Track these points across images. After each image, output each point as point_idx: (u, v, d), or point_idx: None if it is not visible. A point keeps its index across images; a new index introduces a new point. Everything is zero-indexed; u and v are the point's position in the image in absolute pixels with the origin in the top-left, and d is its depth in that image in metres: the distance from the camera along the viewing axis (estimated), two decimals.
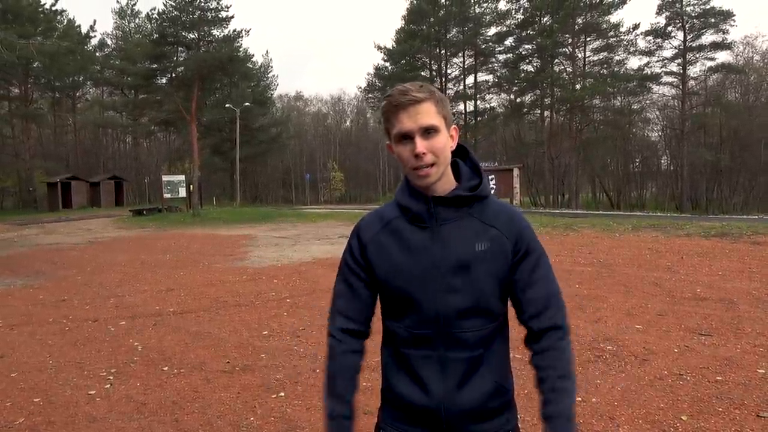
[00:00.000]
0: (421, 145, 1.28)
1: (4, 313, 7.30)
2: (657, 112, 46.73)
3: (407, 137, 1.30)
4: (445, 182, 1.35)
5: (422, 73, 48.96)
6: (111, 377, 4.66)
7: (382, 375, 1.46)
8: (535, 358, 1.37)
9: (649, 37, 40.33)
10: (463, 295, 1.31)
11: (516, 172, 29.91)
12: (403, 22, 47.79)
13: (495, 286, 1.34)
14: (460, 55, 47.79)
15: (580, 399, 3.82)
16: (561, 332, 1.35)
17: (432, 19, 45.85)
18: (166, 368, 4.85)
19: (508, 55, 45.70)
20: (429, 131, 1.29)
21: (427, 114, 1.29)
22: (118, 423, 3.71)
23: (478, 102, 48.14)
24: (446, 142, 1.33)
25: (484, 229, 1.34)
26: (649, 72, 40.34)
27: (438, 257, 1.32)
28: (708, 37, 38.59)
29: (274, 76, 70.47)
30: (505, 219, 1.36)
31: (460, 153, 1.44)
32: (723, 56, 58.28)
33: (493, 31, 45.58)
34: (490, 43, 45.95)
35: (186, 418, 3.77)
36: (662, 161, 51.42)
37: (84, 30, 51.42)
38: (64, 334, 6.17)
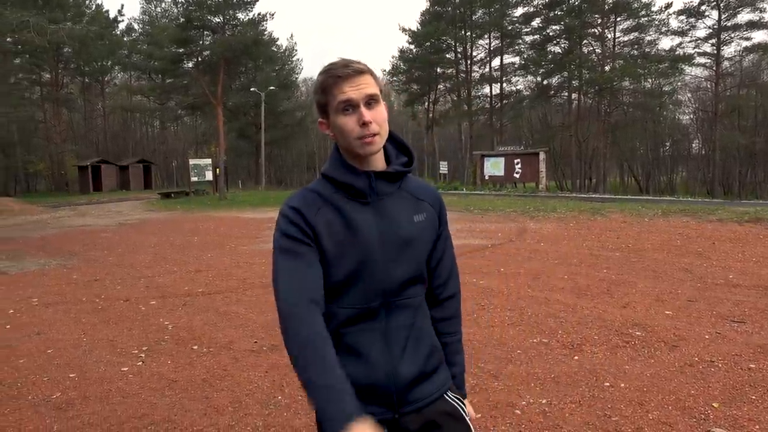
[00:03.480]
0: (366, 113, 1.30)
1: (39, 292, 7.51)
2: (689, 94, 45.67)
3: (351, 106, 1.30)
4: (379, 157, 1.38)
5: (447, 56, 48.46)
6: (143, 355, 4.77)
7: None
8: (438, 324, 1.50)
9: (682, 17, 39.20)
10: (407, 265, 1.37)
11: (542, 155, 29.51)
12: (428, 4, 47.25)
13: (426, 255, 1.43)
14: (485, 36, 47.11)
15: (608, 384, 3.79)
16: (458, 301, 1.55)
17: (457, 1, 45.20)
18: (195, 347, 4.95)
19: (535, 37, 44.93)
20: (372, 102, 1.32)
21: (369, 84, 1.32)
22: (150, 399, 3.81)
23: (504, 85, 47.50)
24: (386, 114, 1.36)
25: (417, 202, 1.42)
26: (681, 53, 39.28)
27: (383, 231, 1.35)
28: (744, 16, 37.36)
29: (298, 59, 70.43)
30: (430, 194, 1.46)
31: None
32: (759, 36, 56.41)
33: (519, 11, 44.88)
34: (517, 25, 45.20)
35: (215, 395, 3.84)
36: (693, 145, 50.35)
37: (112, 15, 52.15)
38: (97, 312, 6.33)
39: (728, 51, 39.24)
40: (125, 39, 54.78)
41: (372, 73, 1.34)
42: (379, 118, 1.32)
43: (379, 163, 1.38)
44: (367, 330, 1.36)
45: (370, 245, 1.34)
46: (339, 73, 1.30)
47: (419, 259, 1.40)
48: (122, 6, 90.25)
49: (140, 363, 4.57)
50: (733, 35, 38.09)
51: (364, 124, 1.29)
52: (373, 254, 1.34)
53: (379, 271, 1.35)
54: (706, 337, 4.73)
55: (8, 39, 28.74)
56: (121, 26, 54.84)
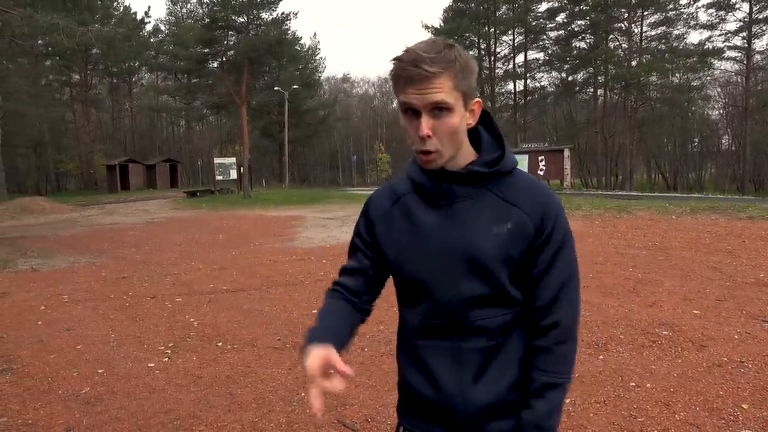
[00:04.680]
0: (426, 125, 1.12)
1: (69, 289, 7.69)
2: (718, 89, 44.69)
3: (412, 110, 1.13)
4: (459, 158, 1.20)
5: (470, 52, 47.83)
6: (169, 351, 4.85)
7: (397, 366, 1.36)
8: (534, 354, 1.23)
9: (711, 10, 38.33)
10: (478, 281, 1.18)
11: (567, 152, 29.12)
12: (451, 0, 47.01)
13: (512, 271, 1.20)
14: (509, 33, 46.72)
15: (634, 384, 3.73)
16: (563, 333, 1.21)
17: None
18: (220, 344, 5.01)
19: (560, 32, 44.38)
20: (439, 110, 1.12)
21: (440, 90, 1.10)
22: (176, 395, 3.87)
23: (528, 81, 47.06)
24: (459, 122, 1.15)
25: (505, 208, 1.19)
26: (710, 47, 38.39)
27: (450, 240, 1.19)
28: None
29: (321, 58, 70.79)
30: (529, 197, 1.20)
31: (483, 119, 1.26)
32: None
33: (544, 7, 44.32)
34: (541, 20, 44.70)
35: (239, 391, 3.89)
36: (723, 141, 49.27)
37: (139, 16, 52.97)
38: (124, 309, 6.45)
39: (760, 44, 38.60)
40: (152, 40, 55.69)
41: (453, 71, 1.11)
42: (443, 130, 1.13)
43: (459, 161, 1.20)
44: (437, 348, 1.24)
45: (434, 256, 1.20)
46: (404, 73, 1.11)
47: (494, 276, 1.18)
48: (149, 8, 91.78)
49: (166, 359, 4.65)
50: (764, 28, 37.11)
51: (421, 138, 1.14)
52: (434, 266, 1.21)
53: (443, 286, 1.20)
54: (736, 337, 4.62)
55: (39, 41, 29.47)
56: (148, 27, 55.78)
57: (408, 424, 1.33)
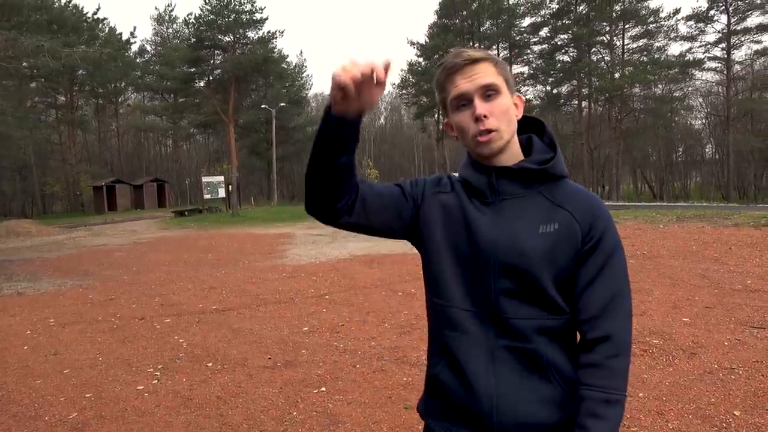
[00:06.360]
0: (481, 106, 1.16)
1: (56, 313, 7.58)
2: (700, 99, 45.42)
3: (465, 100, 1.18)
4: (511, 155, 1.22)
5: None
6: (158, 373, 4.78)
7: (427, 361, 1.32)
8: (581, 371, 1.17)
9: (691, 22, 39.25)
10: (520, 279, 1.16)
11: None
12: (436, 17, 47.59)
13: (556, 276, 1.17)
14: (494, 47, 47.23)
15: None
16: (616, 346, 1.15)
17: (465, 12, 45.49)
18: (210, 364, 4.95)
19: (544, 46, 45.08)
20: (489, 92, 1.17)
21: (486, 73, 1.18)
22: (165, 417, 3.81)
23: None
24: (509, 105, 1.20)
25: (553, 209, 1.19)
26: (691, 58, 39.20)
27: (496, 235, 1.18)
28: (754, 19, 37.25)
29: (308, 75, 71.20)
30: (579, 201, 1.20)
31: (536, 129, 1.31)
32: None
33: (527, 21, 45.08)
34: (525, 35, 45.41)
35: (230, 412, 3.84)
36: (707, 150, 50.02)
37: (125, 37, 52.93)
38: (112, 331, 6.36)
39: (739, 55, 39.20)
40: (138, 60, 55.62)
41: (492, 60, 1.20)
42: (497, 110, 1.17)
43: (511, 159, 1.22)
44: (472, 343, 1.19)
45: (477, 250, 1.19)
46: (449, 65, 1.19)
47: (536, 274, 1.15)
48: (134, 28, 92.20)
49: (155, 381, 4.58)
50: (743, 39, 37.93)
51: (478, 119, 1.16)
52: (477, 260, 1.19)
53: (484, 280, 1.19)
54: (726, 343, 4.65)
55: (24, 64, 29.42)
56: (134, 48, 55.72)
57: (435, 423, 1.28)
